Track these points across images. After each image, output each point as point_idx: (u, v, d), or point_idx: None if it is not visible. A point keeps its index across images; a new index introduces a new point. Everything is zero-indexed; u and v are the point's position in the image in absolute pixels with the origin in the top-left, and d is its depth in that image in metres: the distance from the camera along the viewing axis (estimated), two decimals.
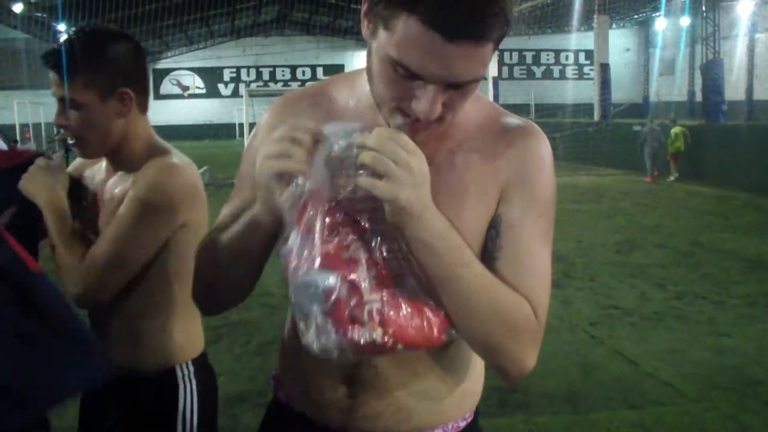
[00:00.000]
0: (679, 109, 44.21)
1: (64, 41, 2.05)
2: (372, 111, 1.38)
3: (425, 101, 1.22)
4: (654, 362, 5.82)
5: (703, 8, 34.46)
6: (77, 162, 2.39)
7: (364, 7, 1.25)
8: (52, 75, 2.03)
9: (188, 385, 2.20)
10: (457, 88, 1.24)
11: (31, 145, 32.41)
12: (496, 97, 40.34)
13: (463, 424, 1.57)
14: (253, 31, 49.22)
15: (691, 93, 45.59)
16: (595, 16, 30.38)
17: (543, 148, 1.44)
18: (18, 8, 28.77)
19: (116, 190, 2.14)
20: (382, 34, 1.21)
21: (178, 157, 2.14)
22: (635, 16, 49.32)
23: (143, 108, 2.17)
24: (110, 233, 2.03)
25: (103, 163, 2.27)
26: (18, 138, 29.94)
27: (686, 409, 4.97)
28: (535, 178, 1.42)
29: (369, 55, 1.30)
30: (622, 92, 44.43)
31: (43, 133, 33.88)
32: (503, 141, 1.42)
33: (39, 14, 31.14)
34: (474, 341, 1.36)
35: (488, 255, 1.40)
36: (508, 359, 1.35)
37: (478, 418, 1.63)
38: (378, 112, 1.34)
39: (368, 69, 1.32)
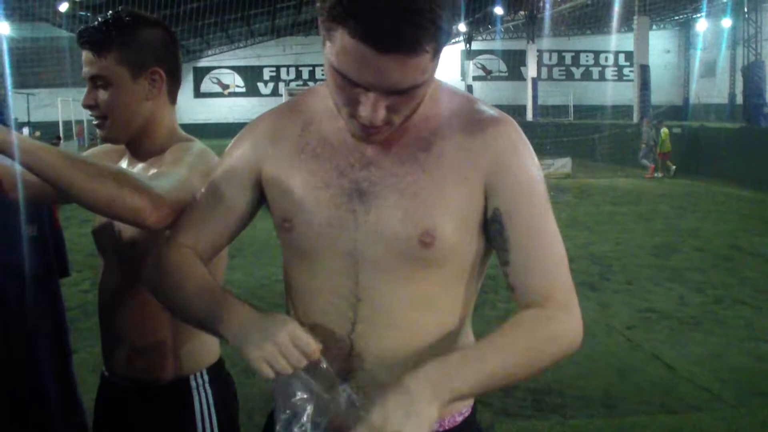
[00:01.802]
0: (720, 111, 43.73)
1: (99, 21, 2.03)
2: (335, 117, 1.45)
3: (368, 108, 1.30)
4: (691, 367, 5.79)
5: (745, 9, 34.02)
6: (96, 152, 2.34)
7: (321, 17, 1.29)
8: (84, 54, 2.01)
9: (203, 395, 2.16)
10: (400, 93, 1.29)
11: (80, 141, 32.76)
12: (534, 98, 40.20)
13: (459, 419, 1.57)
14: (294, 30, 49.32)
15: (732, 95, 45.04)
16: (635, 17, 30.12)
17: (515, 134, 1.47)
18: (63, 7, 29.14)
19: None
20: (327, 44, 1.28)
21: (200, 144, 2.09)
22: (676, 18, 48.84)
23: (172, 97, 2.15)
24: (170, 175, 1.83)
25: (125, 161, 2.19)
26: (62, 134, 30.40)
27: (724, 414, 4.95)
28: (515, 164, 1.45)
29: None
30: (661, 94, 44.02)
31: (85, 130, 34.33)
32: (477, 129, 1.46)
33: (83, 13, 31.50)
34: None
35: (500, 250, 1.48)
36: (562, 359, 1.45)
37: (475, 413, 1.64)
38: (338, 119, 1.43)
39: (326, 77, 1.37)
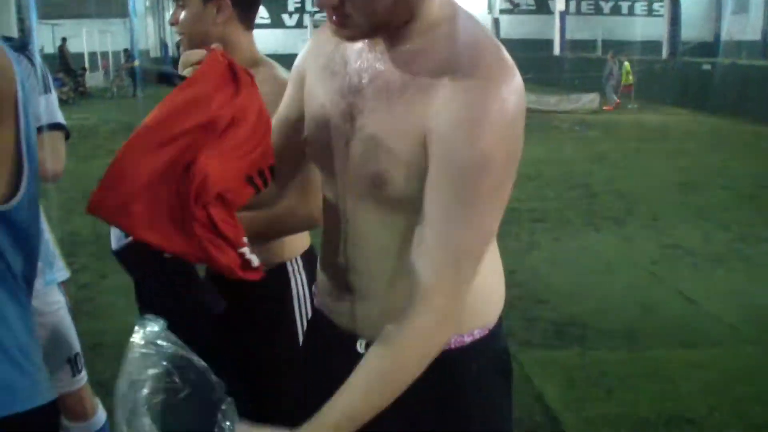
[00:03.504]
0: (752, 48, 43.00)
1: None
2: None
3: None
4: (714, 303, 5.80)
5: None
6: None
7: None
8: None
9: (298, 278, 2.43)
10: None
11: (101, 75, 32.77)
12: (562, 32, 39.66)
13: (468, 339, 1.54)
14: None
15: (765, 32, 44.21)
16: None
17: (493, 99, 1.28)
18: None
19: None
20: None
21: (279, 68, 2.30)
22: None
23: (245, 22, 2.33)
24: None
25: None
26: (87, 65, 30.34)
27: (744, 351, 4.97)
28: (466, 133, 1.27)
29: None
30: (691, 30, 43.25)
31: (110, 60, 34.24)
32: (460, 80, 1.30)
33: None
34: None
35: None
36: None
37: (497, 337, 1.63)
38: (351, 45, 1.46)
39: None
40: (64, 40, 28.34)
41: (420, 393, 1.37)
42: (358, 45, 1.45)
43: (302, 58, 1.62)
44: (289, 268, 2.45)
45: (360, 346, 1.55)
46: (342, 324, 1.61)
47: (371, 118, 1.40)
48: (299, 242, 2.48)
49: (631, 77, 23.49)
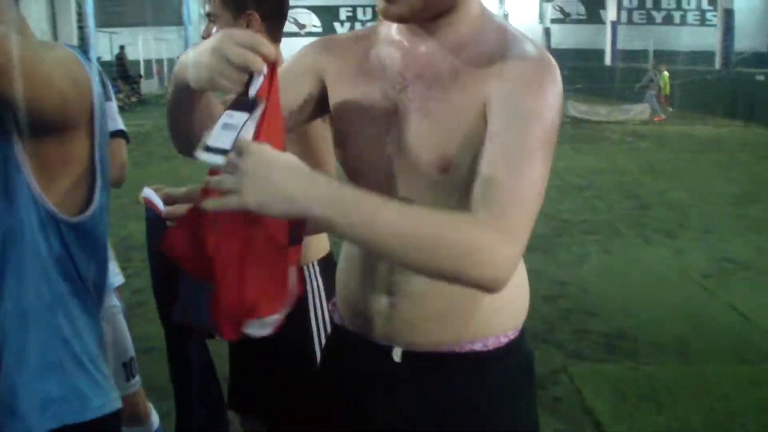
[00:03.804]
0: None
1: None
2: (390, 43, 1.55)
3: None
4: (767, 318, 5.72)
5: None
6: None
7: None
8: None
9: (315, 283, 2.45)
10: None
11: (160, 80, 33.22)
12: (613, 42, 39.34)
13: (504, 340, 1.58)
14: None
15: None
16: None
17: (541, 71, 1.42)
18: None
19: None
20: None
21: None
22: None
23: (273, 35, 2.42)
24: None
25: None
26: (143, 73, 30.77)
27: None
28: (522, 93, 1.39)
29: None
30: (745, 40, 42.65)
31: (165, 68, 34.71)
32: (506, 60, 1.43)
33: None
34: (428, 275, 1.35)
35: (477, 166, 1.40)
36: (472, 281, 1.31)
37: (524, 338, 1.64)
38: (391, 45, 1.54)
39: None
40: (122, 48, 28.78)
41: (456, 392, 1.47)
42: (396, 51, 1.53)
43: (319, 58, 1.62)
44: (306, 273, 2.45)
45: (396, 355, 1.57)
46: (374, 335, 1.61)
47: (426, 108, 1.46)
48: (317, 245, 2.50)
49: (668, 88, 23.73)
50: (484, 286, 1.31)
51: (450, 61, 1.47)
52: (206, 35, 2.40)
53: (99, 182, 1.57)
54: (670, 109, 23.54)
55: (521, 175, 1.34)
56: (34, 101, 1.37)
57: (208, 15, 2.48)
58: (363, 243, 1.33)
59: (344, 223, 1.25)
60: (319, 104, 1.62)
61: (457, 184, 1.44)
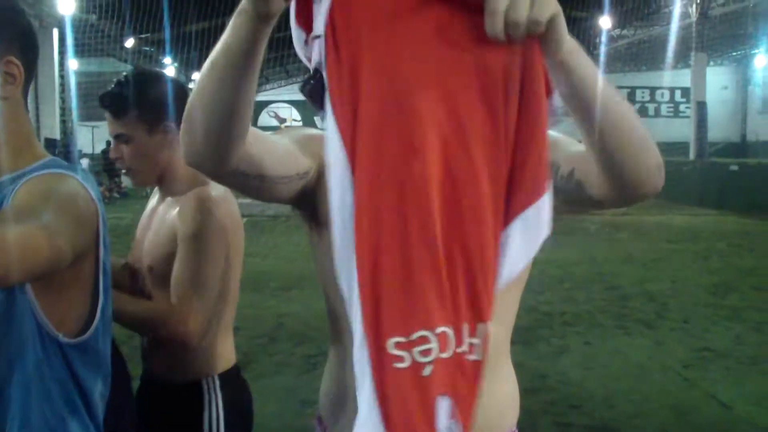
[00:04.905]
0: None
1: (116, 83, 2.32)
2: None
3: None
4: (749, 407, 5.76)
5: None
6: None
7: None
8: (107, 114, 2.32)
9: (213, 398, 2.32)
10: None
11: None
12: None
13: None
14: None
15: None
16: (693, 54, 29.90)
17: None
18: (129, 43, 29.80)
19: (166, 215, 2.37)
20: None
21: (216, 189, 2.33)
22: (733, 54, 48.28)
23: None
24: (180, 275, 2.21)
25: (155, 197, 2.54)
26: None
27: None
28: None
29: None
30: (718, 131, 43.43)
31: None
32: None
33: (147, 48, 32.14)
34: (616, 158, 1.34)
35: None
36: (646, 173, 1.37)
37: None
38: None
39: None
40: (109, 143, 29.05)
41: None
42: None
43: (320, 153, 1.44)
44: (204, 387, 2.34)
45: None
46: None
47: None
48: (220, 359, 2.40)
49: None
50: (648, 183, 1.39)
51: None
52: (116, 157, 2.38)
53: (101, 299, 1.62)
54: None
55: None
56: (50, 269, 1.44)
57: (117, 137, 2.35)
58: (594, 108, 1.28)
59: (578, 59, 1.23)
60: (301, 191, 1.50)
61: None
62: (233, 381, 2.43)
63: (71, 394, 1.58)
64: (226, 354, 2.43)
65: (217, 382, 2.36)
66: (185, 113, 1.26)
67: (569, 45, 1.18)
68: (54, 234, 1.44)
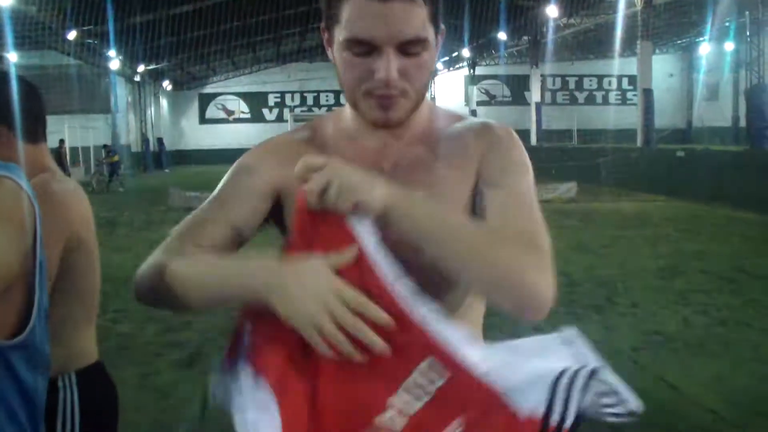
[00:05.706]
0: (724, 134, 43.81)
1: None
2: (351, 139, 1.59)
3: (383, 67, 1.41)
4: (697, 389, 5.82)
5: (748, 33, 34.20)
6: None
7: (321, 25, 1.50)
8: None
9: (68, 396, 2.21)
10: (407, 55, 1.43)
11: (82, 170, 33.10)
12: (538, 122, 40.29)
13: None
14: (298, 57, 49.61)
15: (735, 119, 45.21)
16: (639, 42, 30.23)
17: (506, 133, 1.61)
18: (71, 35, 29.40)
19: None
20: (336, 30, 1.44)
21: (64, 182, 2.27)
22: (678, 42, 49.01)
23: (29, 138, 2.27)
24: None
25: None
26: (68, 160, 30.49)
27: None
28: (504, 147, 1.58)
29: (335, 65, 1.49)
30: (665, 118, 44.13)
31: (92, 155, 34.50)
32: (473, 130, 1.61)
33: (90, 41, 31.75)
34: (482, 281, 1.37)
35: (479, 217, 1.52)
36: (522, 287, 1.37)
37: None
38: (354, 141, 1.58)
39: (338, 77, 1.50)
40: (62, 141, 28.72)
41: None
42: (364, 145, 1.58)
43: (273, 174, 1.56)
44: (59, 384, 2.22)
45: None
46: None
47: (414, 189, 1.48)
48: (78, 356, 2.30)
49: None
50: (529, 303, 1.42)
51: (422, 147, 1.58)
52: None
53: (37, 294, 1.56)
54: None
55: (531, 210, 1.51)
56: (3, 287, 1.41)
57: None
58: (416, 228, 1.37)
59: (408, 209, 1.37)
60: (270, 215, 1.59)
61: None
62: (93, 378, 2.32)
63: (10, 400, 1.51)
64: (86, 350, 2.33)
65: (74, 379, 2.25)
66: (156, 282, 1.42)
67: (389, 204, 1.33)
68: (3, 253, 1.42)
